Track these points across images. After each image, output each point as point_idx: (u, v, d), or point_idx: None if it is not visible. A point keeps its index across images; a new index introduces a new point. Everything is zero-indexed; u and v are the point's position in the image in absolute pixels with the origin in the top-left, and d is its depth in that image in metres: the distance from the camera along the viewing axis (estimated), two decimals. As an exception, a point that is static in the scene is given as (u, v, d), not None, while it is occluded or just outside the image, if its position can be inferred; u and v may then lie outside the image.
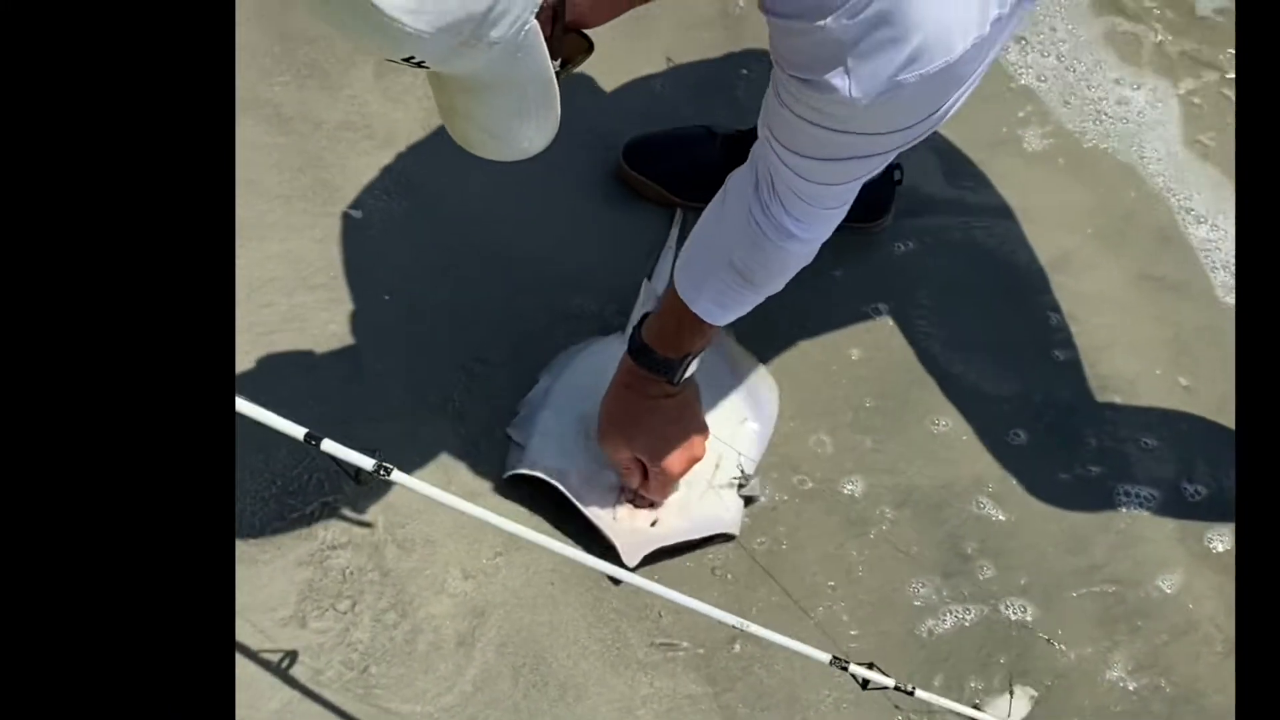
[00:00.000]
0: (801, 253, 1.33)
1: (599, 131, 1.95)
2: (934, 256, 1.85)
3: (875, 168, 1.20)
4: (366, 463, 1.06)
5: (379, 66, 2.02)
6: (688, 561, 1.54)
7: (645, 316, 1.48)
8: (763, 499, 1.57)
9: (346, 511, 1.55)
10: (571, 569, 1.52)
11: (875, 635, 1.50)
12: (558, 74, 0.99)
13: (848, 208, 1.29)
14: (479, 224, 1.82)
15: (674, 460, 1.47)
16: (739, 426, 1.61)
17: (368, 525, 1.54)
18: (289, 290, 1.75)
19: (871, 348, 1.76)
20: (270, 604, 1.47)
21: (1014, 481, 1.64)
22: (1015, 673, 1.48)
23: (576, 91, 1.94)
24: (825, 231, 1.31)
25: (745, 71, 2.04)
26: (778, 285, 1.38)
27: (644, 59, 2.06)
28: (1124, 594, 1.57)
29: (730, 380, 1.63)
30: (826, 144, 1.15)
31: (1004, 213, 1.92)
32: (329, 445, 1.07)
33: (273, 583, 1.49)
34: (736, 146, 1.66)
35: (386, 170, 1.89)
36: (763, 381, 1.66)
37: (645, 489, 1.51)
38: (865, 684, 1.16)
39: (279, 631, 1.45)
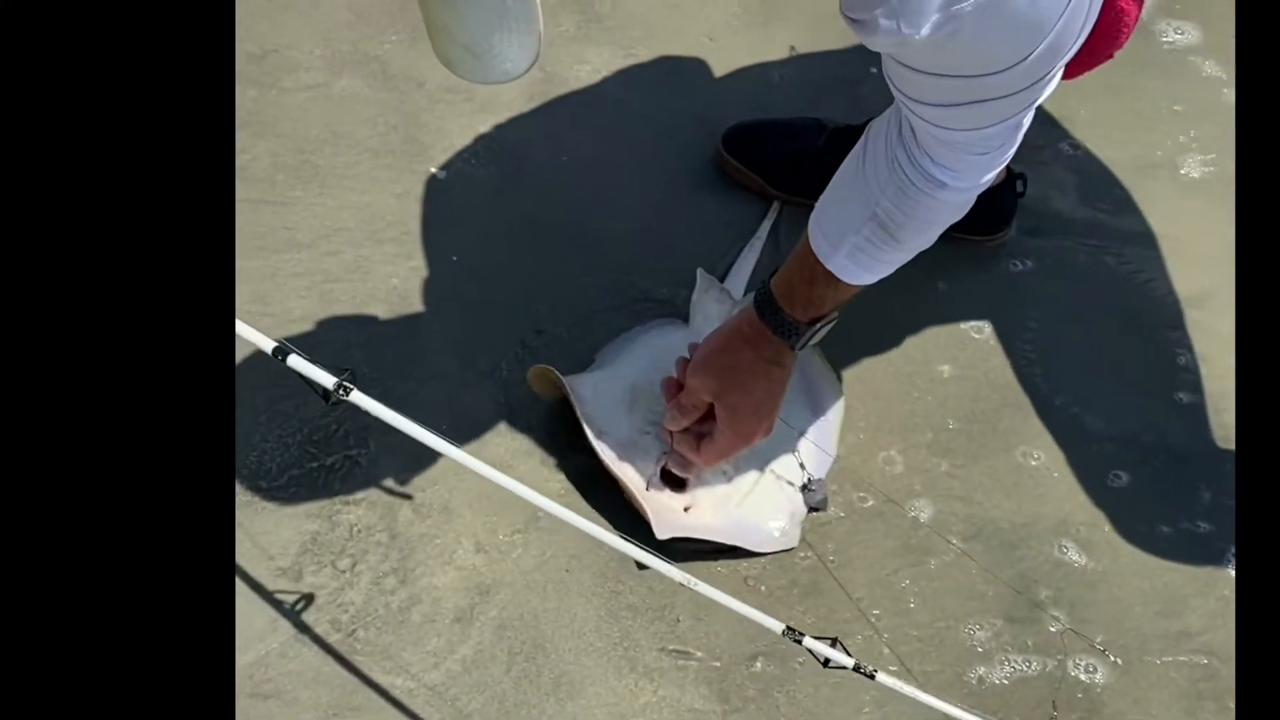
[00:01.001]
0: (955, 202, 1.22)
1: (703, 118, 1.88)
2: (1053, 279, 1.71)
3: (1007, 114, 1.09)
4: (328, 380, 1.01)
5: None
6: (719, 566, 1.44)
7: (774, 271, 1.39)
8: (830, 510, 1.45)
9: (368, 467, 1.49)
10: (590, 557, 1.44)
11: (918, 674, 1.37)
12: None
13: (1006, 152, 1.17)
14: (563, 197, 1.76)
15: (744, 432, 1.38)
16: (802, 433, 1.50)
17: (386, 485, 1.48)
18: (357, 242, 1.72)
19: (965, 366, 1.63)
20: (270, 552, 1.43)
21: (1107, 527, 1.49)
22: (1079, 734, 1.32)
23: (685, 75, 1.87)
24: (979, 178, 1.20)
25: (874, 70, 1.93)
26: (926, 241, 1.28)
27: (766, 46, 1.97)
28: (1218, 668, 1.40)
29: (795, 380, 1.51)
30: (934, 89, 1.07)
31: (1144, 240, 1.77)
32: (295, 361, 1.02)
33: (276, 529, 1.44)
34: (844, 140, 1.56)
35: (480, 136, 1.85)
36: (829, 386, 1.54)
37: (691, 448, 1.41)
38: (826, 662, 1.04)
39: (271, 580, 1.40)
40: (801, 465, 1.47)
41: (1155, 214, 1.80)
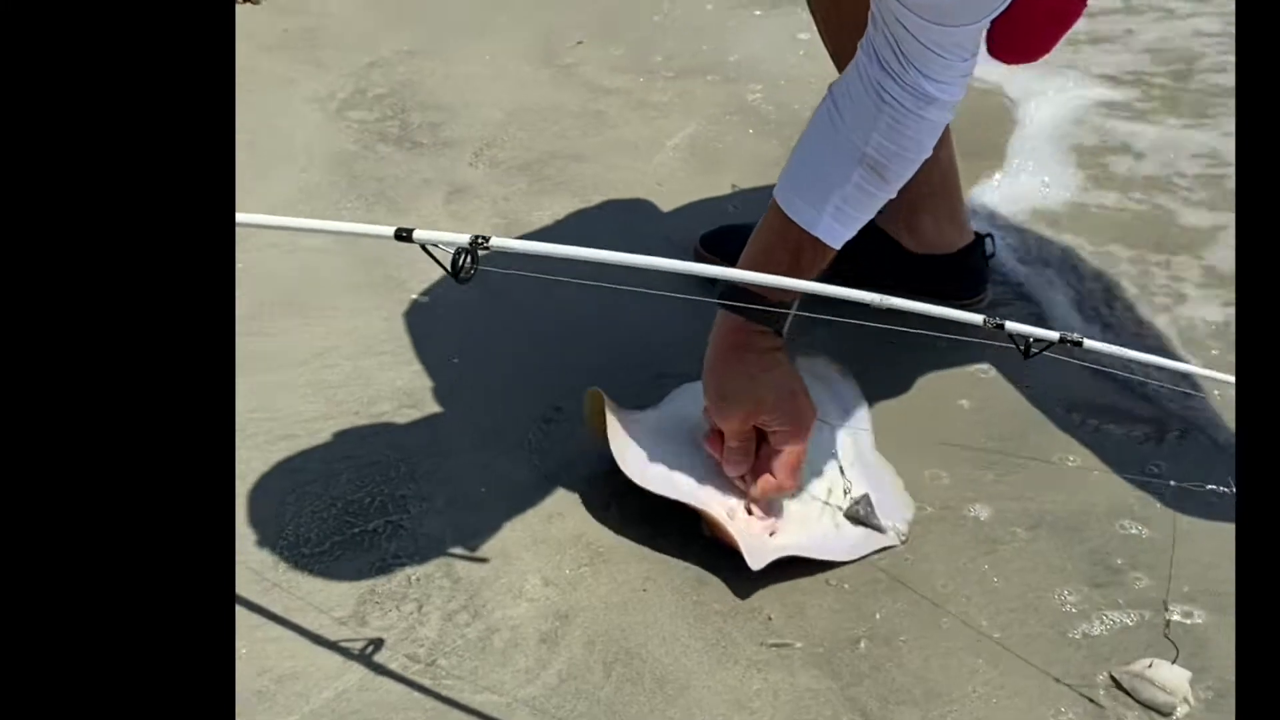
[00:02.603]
0: (941, 120, 1.37)
1: (673, 239, 2.02)
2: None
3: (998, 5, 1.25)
4: (461, 239, 1.03)
5: (448, 195, 2.13)
6: (796, 570, 1.46)
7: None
8: (889, 530, 1.50)
9: (413, 529, 1.49)
10: (664, 577, 1.45)
11: (1021, 638, 1.39)
12: None
13: (976, 61, 1.33)
14: (552, 307, 1.85)
15: (797, 427, 1.44)
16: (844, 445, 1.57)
17: (436, 539, 1.48)
18: (353, 356, 1.77)
19: (982, 400, 1.73)
20: (325, 606, 1.40)
21: (1159, 505, 1.56)
22: (1194, 669, 1.35)
23: (645, 208, 2.03)
24: (961, 91, 1.35)
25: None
26: (908, 174, 1.40)
27: (714, 185, 2.17)
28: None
29: (824, 400, 1.59)
30: None
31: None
32: (421, 234, 1.05)
33: (328, 587, 1.42)
34: None
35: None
36: (857, 401, 1.62)
37: (757, 475, 1.46)
38: (1027, 351, 1.04)
39: (333, 630, 1.37)
40: (842, 471, 1.52)
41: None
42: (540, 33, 2.73)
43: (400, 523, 1.49)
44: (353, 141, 2.26)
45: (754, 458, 1.47)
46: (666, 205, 2.11)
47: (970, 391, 1.75)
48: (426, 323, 1.82)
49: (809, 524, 1.49)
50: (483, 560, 1.45)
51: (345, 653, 1.34)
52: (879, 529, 1.49)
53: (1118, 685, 1.34)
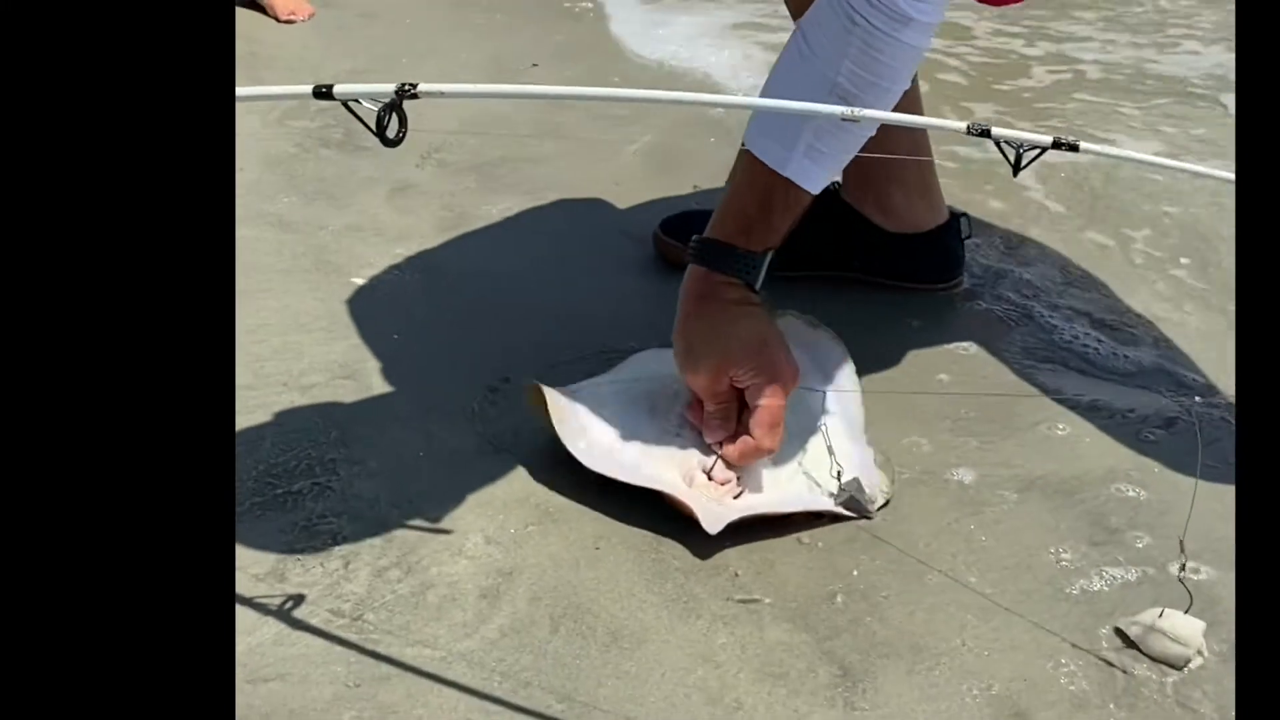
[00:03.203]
0: (917, 45, 1.28)
1: (630, 232, 1.93)
2: (1024, 318, 1.76)
3: None
4: (385, 90, 0.93)
5: (392, 192, 2.04)
6: (767, 532, 1.34)
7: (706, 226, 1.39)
8: (874, 507, 1.38)
9: (342, 490, 1.37)
10: (619, 536, 1.33)
11: (1015, 593, 1.27)
12: None
13: None
14: (499, 289, 1.76)
15: (775, 379, 1.33)
16: (829, 418, 1.45)
17: (368, 500, 1.36)
18: (283, 331, 1.66)
19: (962, 375, 1.63)
20: (243, 562, 1.27)
21: (1158, 469, 1.46)
22: (1207, 622, 1.23)
23: (602, 206, 1.95)
24: (940, 12, 1.26)
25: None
26: (886, 106, 1.30)
27: (674, 185, 2.09)
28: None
29: (807, 362, 1.47)
30: None
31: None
32: (342, 88, 0.95)
33: (246, 544, 1.29)
34: None
35: (397, 255, 1.85)
36: (844, 370, 1.51)
37: (751, 447, 1.35)
38: (1016, 169, 0.90)
39: (249, 586, 1.24)
40: (831, 450, 1.41)
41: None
42: (491, 57, 2.67)
43: (328, 484, 1.37)
44: (293, 145, 2.17)
45: (735, 423, 1.36)
46: (624, 203, 2.02)
47: (950, 367, 1.65)
48: (365, 304, 1.72)
49: (780, 484, 1.37)
50: (418, 520, 1.33)
51: (260, 608, 1.21)
52: (867, 514, 1.36)
53: (1124, 639, 1.21)
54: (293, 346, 1.61)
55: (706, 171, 2.08)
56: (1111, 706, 1.15)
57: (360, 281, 1.76)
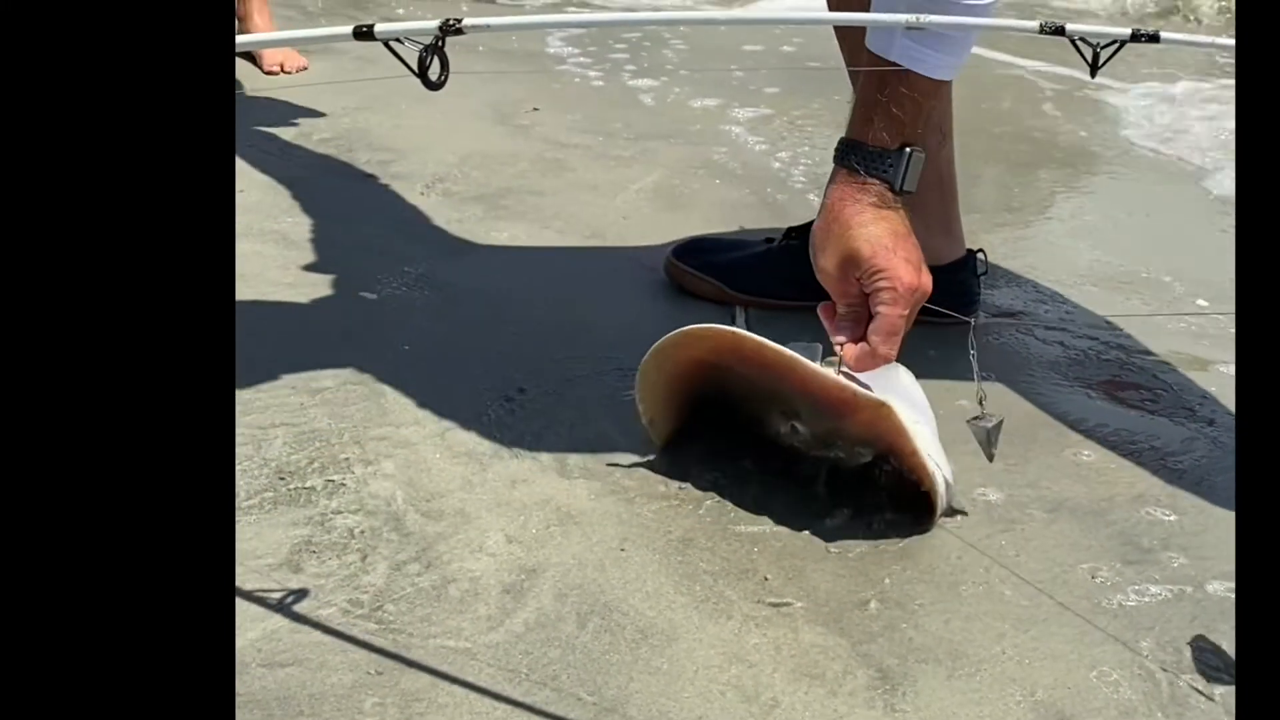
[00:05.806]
0: None
1: (642, 261, 1.92)
2: (1039, 345, 1.76)
3: None
4: (429, 27, 0.91)
5: (396, 215, 2.02)
6: (797, 540, 1.32)
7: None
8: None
9: (356, 488, 1.34)
10: (644, 538, 1.30)
11: (1051, 606, 1.25)
12: None
13: None
14: (511, 306, 1.75)
15: (906, 281, 1.32)
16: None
17: (384, 497, 1.33)
18: (289, 336, 1.63)
19: (985, 402, 1.61)
20: (253, 555, 1.23)
21: (1187, 496, 1.45)
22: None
23: (611, 236, 1.94)
24: None
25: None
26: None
27: (681, 223, 2.07)
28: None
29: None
30: None
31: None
32: (384, 27, 0.93)
33: (258, 537, 1.26)
34: (800, 239, 1.65)
35: (405, 274, 1.83)
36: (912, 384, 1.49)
37: (871, 353, 1.34)
38: (1094, 68, 0.86)
39: (262, 577, 1.20)
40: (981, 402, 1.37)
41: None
42: (491, 101, 2.68)
43: (342, 482, 1.34)
44: (299, 169, 2.16)
45: (864, 328, 1.35)
46: (633, 233, 2.01)
47: (971, 394, 1.62)
48: (374, 316, 1.70)
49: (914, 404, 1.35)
50: (436, 518, 1.30)
51: (271, 597, 1.18)
52: (959, 507, 1.35)
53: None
54: (301, 353, 1.59)
55: (712, 210, 2.09)
56: (1160, 716, 1.12)
57: (369, 296, 1.74)
